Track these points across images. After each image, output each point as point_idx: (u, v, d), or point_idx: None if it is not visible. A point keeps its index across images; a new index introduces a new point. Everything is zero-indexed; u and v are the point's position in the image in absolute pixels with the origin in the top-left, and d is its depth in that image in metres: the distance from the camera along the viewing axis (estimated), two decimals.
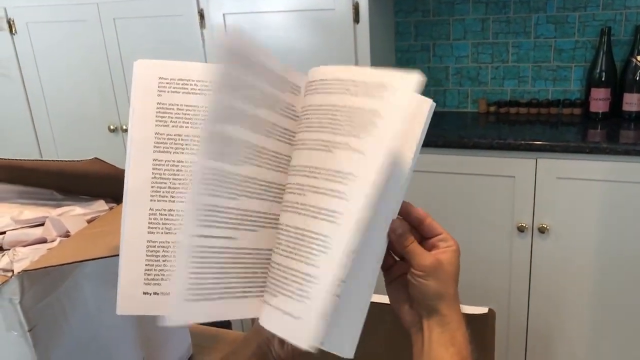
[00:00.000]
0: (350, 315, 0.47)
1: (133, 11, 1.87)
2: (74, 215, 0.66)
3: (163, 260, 0.49)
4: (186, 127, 0.51)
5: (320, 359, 0.50)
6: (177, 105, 0.51)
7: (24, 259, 0.56)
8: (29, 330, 0.52)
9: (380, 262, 0.48)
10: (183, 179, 0.50)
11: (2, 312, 0.52)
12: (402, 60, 2.01)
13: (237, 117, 0.44)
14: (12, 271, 0.54)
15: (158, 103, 0.51)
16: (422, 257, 0.48)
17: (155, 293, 0.49)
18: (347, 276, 0.45)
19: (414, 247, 0.48)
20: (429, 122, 0.48)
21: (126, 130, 2.02)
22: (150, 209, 0.50)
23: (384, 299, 0.52)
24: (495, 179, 1.57)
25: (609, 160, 1.43)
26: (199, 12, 1.79)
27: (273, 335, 0.54)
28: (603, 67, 1.69)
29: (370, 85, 0.45)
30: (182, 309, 0.43)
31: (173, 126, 0.51)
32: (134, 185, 0.50)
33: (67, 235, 0.62)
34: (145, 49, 1.88)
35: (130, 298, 0.49)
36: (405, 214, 0.49)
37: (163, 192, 0.50)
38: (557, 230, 1.54)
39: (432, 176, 1.63)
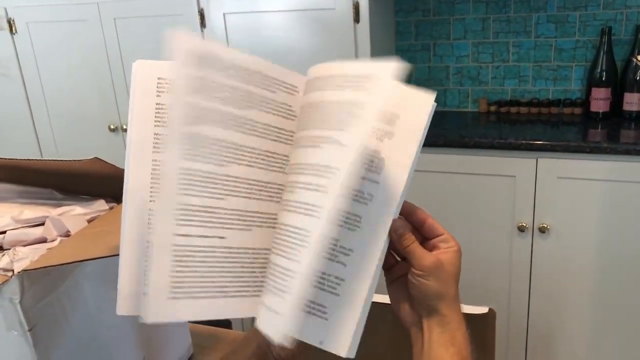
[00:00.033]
0: (352, 314, 0.47)
1: (133, 11, 1.87)
2: (74, 214, 0.66)
3: None
4: None
5: (321, 358, 0.50)
6: None
7: (24, 258, 0.56)
8: (29, 330, 0.52)
9: (382, 262, 0.48)
10: None
11: (2, 312, 0.52)
12: (402, 60, 2.01)
13: (208, 117, 0.45)
14: (12, 271, 0.54)
15: (157, 103, 0.51)
16: (423, 256, 0.48)
17: None
18: (348, 276, 0.45)
19: (415, 247, 0.48)
20: (430, 121, 0.48)
21: (126, 130, 2.02)
22: (150, 209, 0.50)
23: (385, 298, 0.52)
24: (496, 178, 1.57)
25: (610, 160, 1.43)
26: (199, 11, 1.79)
27: None
28: (604, 67, 1.69)
29: (357, 78, 0.46)
30: (165, 306, 0.43)
31: None
32: (134, 185, 0.50)
33: (67, 234, 0.62)
34: (145, 48, 1.88)
35: (131, 298, 0.49)
36: (407, 214, 0.49)
37: None
38: (558, 230, 1.54)
39: (433, 176, 1.63)
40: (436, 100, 0.49)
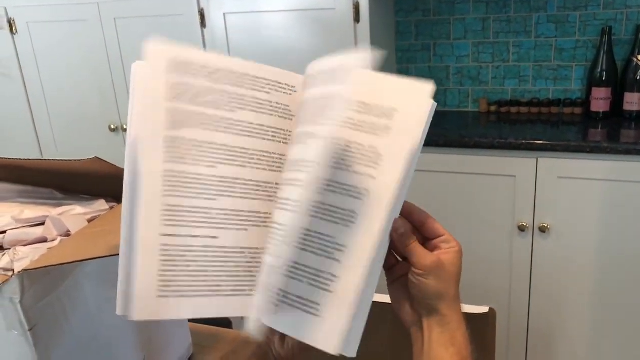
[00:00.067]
0: (345, 312, 0.46)
1: (133, 11, 1.87)
2: (75, 214, 0.66)
3: None
4: None
5: (321, 358, 0.50)
6: None
7: (24, 258, 0.56)
8: (30, 330, 0.52)
9: (382, 262, 0.48)
10: None
11: (2, 312, 0.52)
12: (402, 59, 2.01)
13: (192, 121, 0.46)
14: (13, 270, 0.54)
15: None
16: (423, 256, 0.48)
17: None
18: (342, 273, 0.45)
19: (415, 246, 0.48)
20: (430, 122, 0.48)
21: (126, 130, 2.02)
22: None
23: (385, 298, 0.52)
24: (496, 178, 1.57)
25: (610, 160, 1.43)
26: (199, 11, 1.79)
27: (273, 334, 0.54)
28: (604, 67, 1.69)
29: (332, 71, 0.48)
30: (154, 305, 0.44)
31: None
32: None
33: (67, 234, 0.62)
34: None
35: None
36: (407, 214, 0.49)
37: None
38: (558, 229, 1.54)
39: (433, 175, 1.63)
40: (437, 100, 0.49)
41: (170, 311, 0.45)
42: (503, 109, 1.89)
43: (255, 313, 0.46)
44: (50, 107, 2.12)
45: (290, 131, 0.50)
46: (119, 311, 0.48)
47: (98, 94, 2.03)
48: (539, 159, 1.50)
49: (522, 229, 1.56)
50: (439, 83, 1.99)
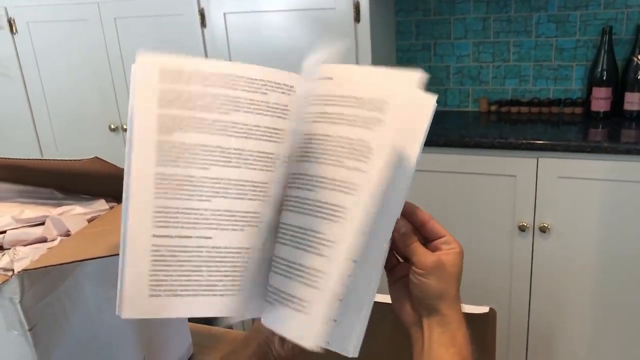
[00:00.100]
0: (354, 314, 0.47)
1: (134, 10, 1.87)
2: (75, 214, 0.66)
3: None
4: None
5: (321, 358, 0.50)
6: None
7: (24, 258, 0.56)
8: (30, 330, 0.52)
9: (384, 262, 0.48)
10: None
11: (2, 312, 0.52)
12: (403, 59, 2.01)
13: (184, 125, 0.47)
14: (13, 270, 0.54)
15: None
16: (424, 255, 0.48)
17: None
18: (352, 276, 0.45)
19: (416, 246, 0.48)
20: (430, 122, 0.48)
21: (126, 130, 2.02)
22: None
23: (385, 298, 0.52)
24: (497, 178, 1.57)
25: (610, 160, 1.43)
26: (199, 11, 1.79)
27: (273, 334, 0.54)
28: (604, 66, 1.68)
29: (322, 66, 0.50)
30: (146, 303, 0.45)
31: None
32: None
33: (67, 234, 0.62)
34: (145, 48, 1.87)
35: None
36: (408, 214, 0.49)
37: None
38: (558, 229, 1.54)
39: (433, 175, 1.63)
40: (437, 100, 0.48)
41: (162, 310, 0.45)
42: (503, 109, 1.89)
43: (249, 311, 0.46)
44: (50, 107, 2.12)
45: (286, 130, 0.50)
46: (118, 311, 0.48)
47: (98, 94, 2.03)
48: (539, 158, 1.50)
49: (522, 228, 1.56)
50: (439, 83, 1.99)
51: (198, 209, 0.46)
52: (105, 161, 0.62)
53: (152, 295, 0.45)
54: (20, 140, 2.20)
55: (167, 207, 0.46)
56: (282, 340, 0.54)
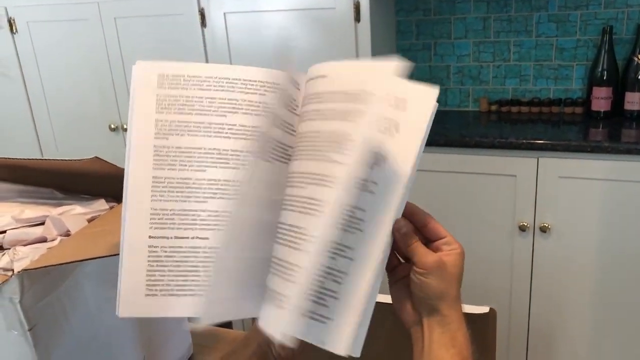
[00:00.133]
0: (351, 313, 0.46)
1: (134, 10, 1.87)
2: (75, 214, 0.66)
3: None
4: None
5: (321, 358, 0.50)
6: None
7: (24, 258, 0.56)
8: (29, 330, 0.52)
9: (385, 262, 0.48)
10: None
11: (2, 312, 0.52)
12: (403, 59, 2.01)
13: (180, 129, 0.48)
14: (13, 270, 0.54)
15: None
16: (425, 255, 0.48)
17: None
18: (350, 275, 0.45)
19: (418, 246, 0.48)
20: (431, 122, 0.48)
21: (126, 130, 2.02)
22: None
23: (385, 298, 0.52)
24: (497, 178, 1.57)
25: (611, 159, 1.43)
26: (199, 11, 1.79)
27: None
28: (605, 66, 1.68)
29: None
30: (142, 302, 0.46)
31: None
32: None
33: (67, 234, 0.62)
34: (145, 48, 1.88)
35: None
36: (409, 214, 0.49)
37: None
38: (559, 229, 1.54)
39: (434, 175, 1.63)
40: (437, 100, 0.48)
41: (158, 309, 0.46)
42: (504, 109, 1.89)
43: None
44: (50, 106, 2.12)
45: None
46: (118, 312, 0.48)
47: (98, 94, 2.03)
48: (539, 158, 1.50)
49: (522, 228, 1.56)
50: (439, 82, 1.99)
51: (195, 210, 0.47)
52: (105, 161, 0.62)
53: (148, 295, 0.46)
54: (20, 140, 2.20)
55: (164, 209, 0.47)
56: None
